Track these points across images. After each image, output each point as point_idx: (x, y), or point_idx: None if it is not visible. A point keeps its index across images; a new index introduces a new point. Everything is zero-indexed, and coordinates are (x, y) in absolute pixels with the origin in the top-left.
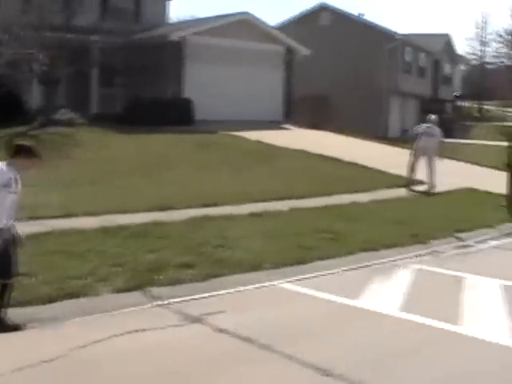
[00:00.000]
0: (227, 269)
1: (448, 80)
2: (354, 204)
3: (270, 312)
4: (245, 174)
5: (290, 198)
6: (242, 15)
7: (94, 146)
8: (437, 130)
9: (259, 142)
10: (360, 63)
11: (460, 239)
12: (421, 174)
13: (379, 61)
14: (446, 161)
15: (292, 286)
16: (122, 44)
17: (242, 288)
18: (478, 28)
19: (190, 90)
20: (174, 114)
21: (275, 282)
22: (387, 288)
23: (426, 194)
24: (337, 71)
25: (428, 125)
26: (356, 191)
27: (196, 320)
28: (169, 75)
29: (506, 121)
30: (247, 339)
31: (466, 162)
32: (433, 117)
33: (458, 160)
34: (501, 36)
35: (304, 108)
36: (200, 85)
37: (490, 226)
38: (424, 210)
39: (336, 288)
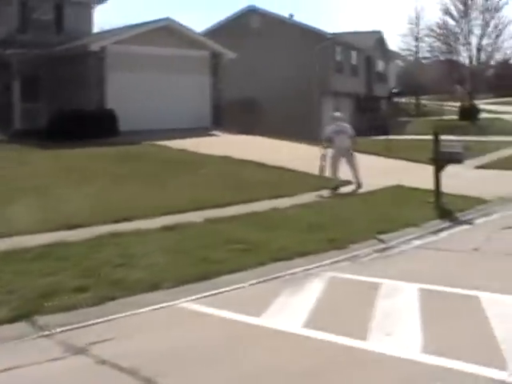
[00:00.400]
0: (125, 290)
1: (382, 77)
2: (275, 210)
3: (163, 336)
4: (164, 184)
5: (208, 207)
6: (164, 21)
7: (11, 164)
8: (347, 127)
9: (183, 151)
10: (290, 65)
11: (381, 241)
12: (350, 174)
13: (310, 61)
14: (374, 158)
15: (192, 305)
16: (43, 56)
17: (138, 310)
18: (411, 24)
19: (113, 101)
20: (98, 127)
21: (174, 302)
22: (295, 301)
23: (352, 194)
24: (267, 74)
25: (336, 123)
26: (279, 196)
27: (79, 351)
28: (92, 86)
29: (444, 114)
30: (130, 371)
31: (396, 158)
32: (337, 114)
33: (387, 157)
34: (433, 30)
35: (233, 113)
36: (124, 95)
37: (414, 225)
38: (346, 213)
39: (239, 305)
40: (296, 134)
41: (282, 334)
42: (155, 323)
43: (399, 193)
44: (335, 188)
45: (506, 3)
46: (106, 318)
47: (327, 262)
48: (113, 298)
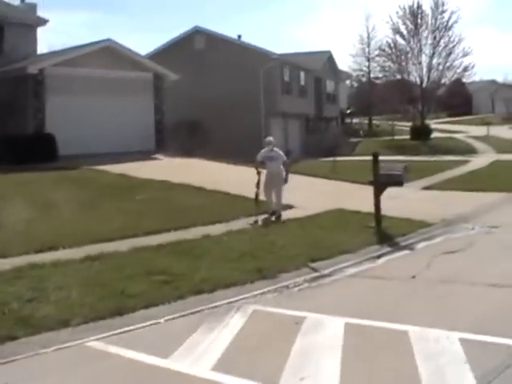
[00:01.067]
0: (30, 328)
1: (333, 97)
2: (206, 238)
3: (63, 381)
4: (96, 210)
5: (138, 235)
6: (105, 43)
7: None
8: (279, 152)
9: (122, 176)
10: (236, 86)
11: (314, 270)
12: (292, 198)
13: (256, 82)
14: (318, 180)
15: (100, 343)
16: None
17: (40, 351)
18: (362, 44)
19: (52, 125)
20: (36, 151)
21: (81, 341)
22: (210, 339)
23: (278, 221)
24: (212, 95)
25: (267, 148)
26: (213, 222)
27: None
28: (29, 110)
29: (396, 134)
30: None
31: (341, 180)
32: (269, 138)
33: (332, 179)
34: (384, 50)
35: (178, 136)
36: (64, 118)
37: (351, 251)
38: (281, 239)
39: (150, 344)
40: (243, 156)
41: (187, 378)
42: (57, 365)
43: (339, 217)
44: (271, 214)
45: (456, 22)
46: (3, 361)
47: (253, 293)
48: (14, 338)
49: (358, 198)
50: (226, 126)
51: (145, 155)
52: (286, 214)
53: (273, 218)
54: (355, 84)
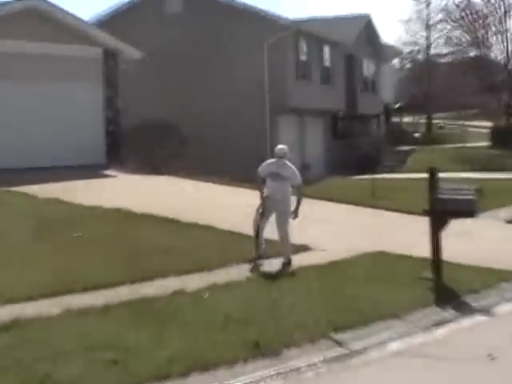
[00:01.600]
0: None
1: (373, 85)
2: (177, 294)
3: None
4: (10, 256)
5: (74, 290)
6: (30, 2)
7: None
8: (289, 170)
9: (54, 201)
10: (228, 70)
11: (338, 344)
12: (308, 234)
13: (257, 63)
14: (349, 208)
15: None
16: None
17: None
18: (419, 4)
19: None
20: None
21: None
22: None
23: (284, 271)
24: (192, 85)
25: (275, 160)
26: (190, 271)
27: None
28: None
29: (470, 140)
30: None
31: (383, 208)
32: (282, 147)
33: (370, 206)
34: (451, 13)
35: (140, 143)
36: None
37: (395, 316)
38: (291, 297)
39: None
40: (238, 172)
41: None
42: None
43: (379, 263)
44: (257, 258)
45: None
46: None
47: (244, 380)
48: None
49: (407, 235)
50: (213, 129)
51: (91, 171)
52: (297, 260)
53: (277, 267)
54: (407, 65)
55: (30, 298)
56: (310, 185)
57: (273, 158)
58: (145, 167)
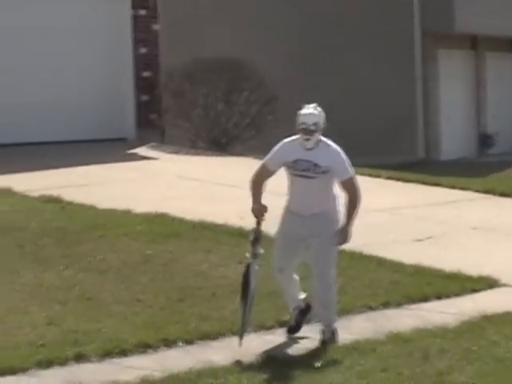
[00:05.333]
0: None
1: None
2: None
3: None
4: None
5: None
6: None
7: None
8: (330, 155)
9: (55, 201)
10: None
11: None
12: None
13: None
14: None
15: None
16: None
17: None
18: None
19: None
20: None
21: None
22: None
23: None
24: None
25: (295, 138)
26: None
27: None
28: None
29: None
30: None
31: None
32: (307, 111)
33: None
34: None
35: (192, 101)
36: None
37: None
38: None
39: None
40: (372, 152)
41: None
42: None
43: None
44: (297, 323)
45: None
46: None
47: None
48: None
49: None
50: (323, 78)
51: (112, 149)
52: (472, 306)
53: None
54: None
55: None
56: (495, 172)
57: (306, 133)
58: (205, 143)
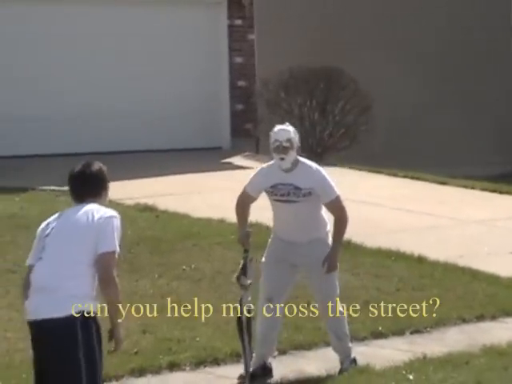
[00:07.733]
0: None
1: None
2: None
3: None
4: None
5: None
6: None
7: None
8: (311, 175)
9: (150, 210)
10: None
11: None
12: None
13: None
14: None
15: None
16: None
17: None
18: None
19: None
20: None
21: None
22: None
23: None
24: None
25: (271, 163)
26: None
27: None
28: None
29: None
30: None
31: None
32: (280, 128)
33: None
34: None
35: (286, 109)
36: None
37: None
38: None
39: None
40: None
41: None
42: None
43: None
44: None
45: None
46: None
47: None
48: None
49: None
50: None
51: (207, 158)
52: None
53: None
54: None
55: None
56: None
57: (280, 151)
58: (304, 151)
